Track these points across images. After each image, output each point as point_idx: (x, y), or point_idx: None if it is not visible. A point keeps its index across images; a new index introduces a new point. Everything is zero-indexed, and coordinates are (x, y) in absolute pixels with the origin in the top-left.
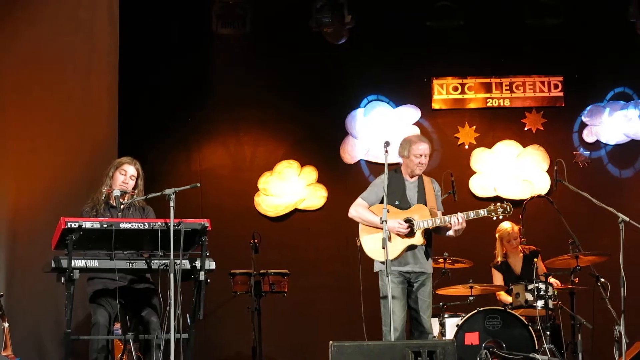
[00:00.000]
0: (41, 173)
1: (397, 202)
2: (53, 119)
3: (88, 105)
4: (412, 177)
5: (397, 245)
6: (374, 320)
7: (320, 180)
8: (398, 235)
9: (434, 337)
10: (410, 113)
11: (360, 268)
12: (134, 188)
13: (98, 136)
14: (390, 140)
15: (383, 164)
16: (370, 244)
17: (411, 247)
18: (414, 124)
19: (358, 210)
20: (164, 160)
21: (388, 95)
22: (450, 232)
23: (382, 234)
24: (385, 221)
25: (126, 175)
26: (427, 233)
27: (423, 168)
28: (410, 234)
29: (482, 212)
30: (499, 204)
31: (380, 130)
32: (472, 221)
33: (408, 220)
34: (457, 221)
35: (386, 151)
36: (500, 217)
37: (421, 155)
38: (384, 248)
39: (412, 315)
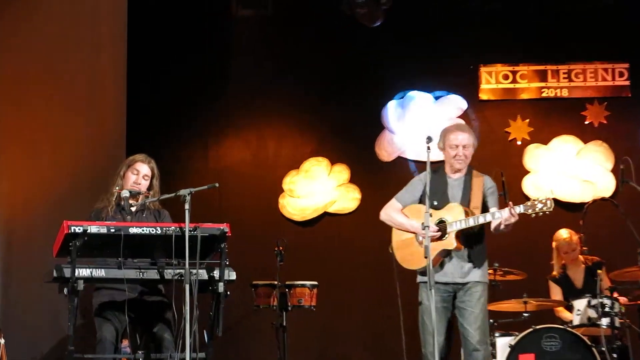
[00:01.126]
0: (40, 171)
1: (434, 203)
2: (53, 112)
3: (93, 98)
4: (455, 173)
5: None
6: (416, 339)
7: (352, 180)
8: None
9: (483, 350)
10: (455, 105)
11: (397, 277)
12: (149, 189)
13: (104, 131)
14: (433, 136)
15: (423, 162)
16: (402, 250)
17: (447, 253)
18: (459, 117)
19: (388, 211)
20: (177, 157)
21: (430, 84)
22: (502, 227)
23: (418, 240)
24: (428, 227)
25: (139, 175)
26: (470, 236)
27: (463, 162)
28: (443, 237)
29: (520, 209)
30: (537, 198)
31: (421, 124)
32: (525, 227)
33: (440, 222)
34: (492, 220)
35: (428, 147)
36: (540, 214)
37: (457, 146)
38: (426, 257)
39: (460, 330)
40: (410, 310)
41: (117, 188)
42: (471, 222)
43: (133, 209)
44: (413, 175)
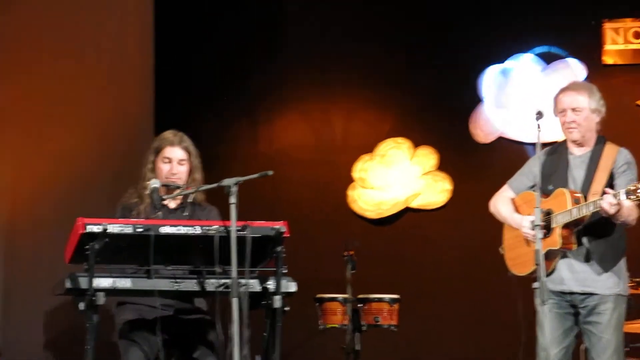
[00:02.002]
0: (49, 159)
1: (550, 187)
2: (64, 87)
3: (112, 68)
4: (578, 147)
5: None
6: None
7: (441, 166)
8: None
9: None
10: (572, 71)
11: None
12: (189, 174)
13: (127, 107)
14: (544, 110)
15: (532, 144)
16: (511, 252)
17: (560, 254)
18: None
19: (495, 201)
20: (220, 138)
21: (539, 46)
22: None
23: (526, 240)
24: (539, 226)
25: (172, 163)
26: (591, 230)
27: (576, 130)
28: (548, 233)
29: (620, 197)
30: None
31: (528, 96)
32: None
33: (547, 214)
34: (602, 207)
35: (538, 125)
36: None
37: (565, 111)
38: (537, 265)
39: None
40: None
41: (147, 182)
42: (575, 214)
43: (169, 203)
44: (521, 161)
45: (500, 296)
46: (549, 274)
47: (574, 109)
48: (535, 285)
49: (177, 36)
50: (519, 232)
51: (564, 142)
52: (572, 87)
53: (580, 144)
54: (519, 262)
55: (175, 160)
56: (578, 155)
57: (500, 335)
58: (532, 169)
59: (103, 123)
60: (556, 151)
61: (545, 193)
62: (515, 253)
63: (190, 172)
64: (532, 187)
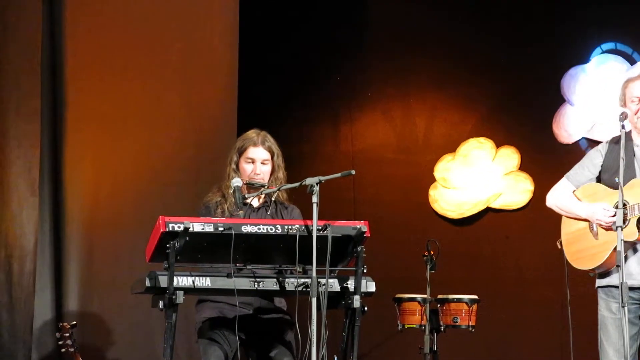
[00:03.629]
0: (130, 156)
1: (616, 179)
2: (147, 85)
3: (196, 67)
4: None
5: (606, 245)
6: None
7: (523, 167)
8: (603, 227)
9: None
10: None
11: (568, 282)
12: (272, 173)
13: (210, 105)
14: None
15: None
16: (573, 246)
17: (630, 247)
18: None
19: (555, 194)
20: (300, 137)
21: (631, 41)
22: None
23: (592, 230)
24: (621, 227)
25: (255, 164)
26: None
27: None
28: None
29: None
30: None
31: (612, 96)
32: None
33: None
34: None
35: (622, 126)
36: None
37: (637, 99)
38: (618, 266)
39: None
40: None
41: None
42: None
43: (252, 202)
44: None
45: (579, 299)
46: (606, 266)
47: None
48: (598, 283)
49: (259, 34)
50: (581, 225)
51: (628, 133)
52: None
53: None
54: (582, 257)
55: (258, 161)
56: None
57: (580, 339)
58: (593, 161)
59: (185, 121)
60: (619, 143)
61: (610, 185)
62: (576, 247)
63: (273, 171)
64: (592, 179)
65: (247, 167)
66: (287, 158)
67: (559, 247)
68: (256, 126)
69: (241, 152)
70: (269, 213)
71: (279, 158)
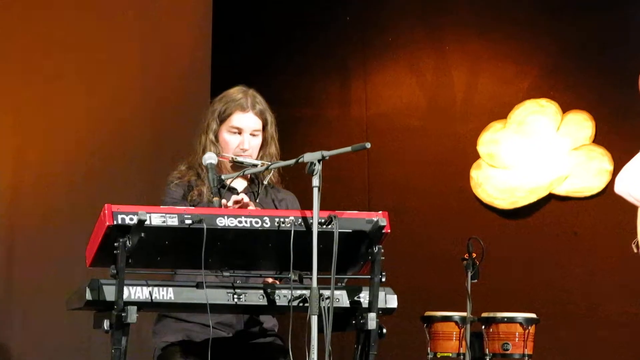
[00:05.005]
0: (63, 126)
1: None
2: (86, 35)
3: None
4: None
5: None
6: None
7: (599, 139)
8: None
9: None
10: None
11: None
12: (262, 148)
13: (177, 55)
14: None
15: None
16: None
17: None
18: None
19: (629, 177)
20: (296, 98)
21: None
22: None
23: None
24: None
25: (243, 135)
26: None
27: None
28: None
29: None
30: None
31: None
32: None
33: None
34: None
35: None
36: None
37: None
38: None
39: None
40: None
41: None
42: None
43: (233, 186)
44: None
45: None
46: None
47: None
48: None
49: None
50: None
51: None
52: None
53: None
54: None
55: (247, 131)
56: None
57: None
58: None
59: (142, 76)
60: None
61: None
62: None
63: (264, 145)
64: None
65: (230, 140)
66: (279, 127)
67: (635, 250)
68: (237, 82)
69: (223, 118)
70: (257, 201)
71: (273, 127)
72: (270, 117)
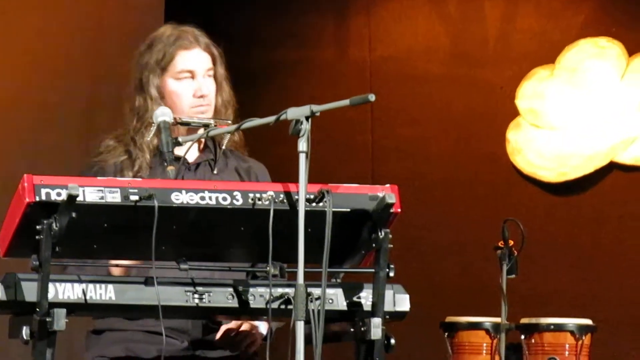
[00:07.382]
0: None
1: None
2: None
3: None
4: None
5: None
6: None
7: None
8: None
9: None
10: None
11: None
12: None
13: None
14: None
15: None
16: None
17: None
18: None
19: None
20: (280, 36)
21: None
22: None
23: None
24: None
25: (196, 77)
26: None
27: None
28: None
29: None
30: None
31: None
32: None
33: None
34: None
35: None
36: None
37: None
38: None
39: None
40: None
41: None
42: None
43: (185, 153)
44: None
45: None
46: None
47: None
48: None
49: None
50: None
51: None
52: None
53: None
54: None
55: (200, 72)
56: None
57: None
58: None
59: (75, 21)
60: None
61: None
62: None
63: (217, 89)
64: None
65: (182, 88)
66: (258, 72)
67: None
68: (196, 17)
69: (164, 65)
70: (215, 172)
71: (222, 67)
72: (217, 51)
